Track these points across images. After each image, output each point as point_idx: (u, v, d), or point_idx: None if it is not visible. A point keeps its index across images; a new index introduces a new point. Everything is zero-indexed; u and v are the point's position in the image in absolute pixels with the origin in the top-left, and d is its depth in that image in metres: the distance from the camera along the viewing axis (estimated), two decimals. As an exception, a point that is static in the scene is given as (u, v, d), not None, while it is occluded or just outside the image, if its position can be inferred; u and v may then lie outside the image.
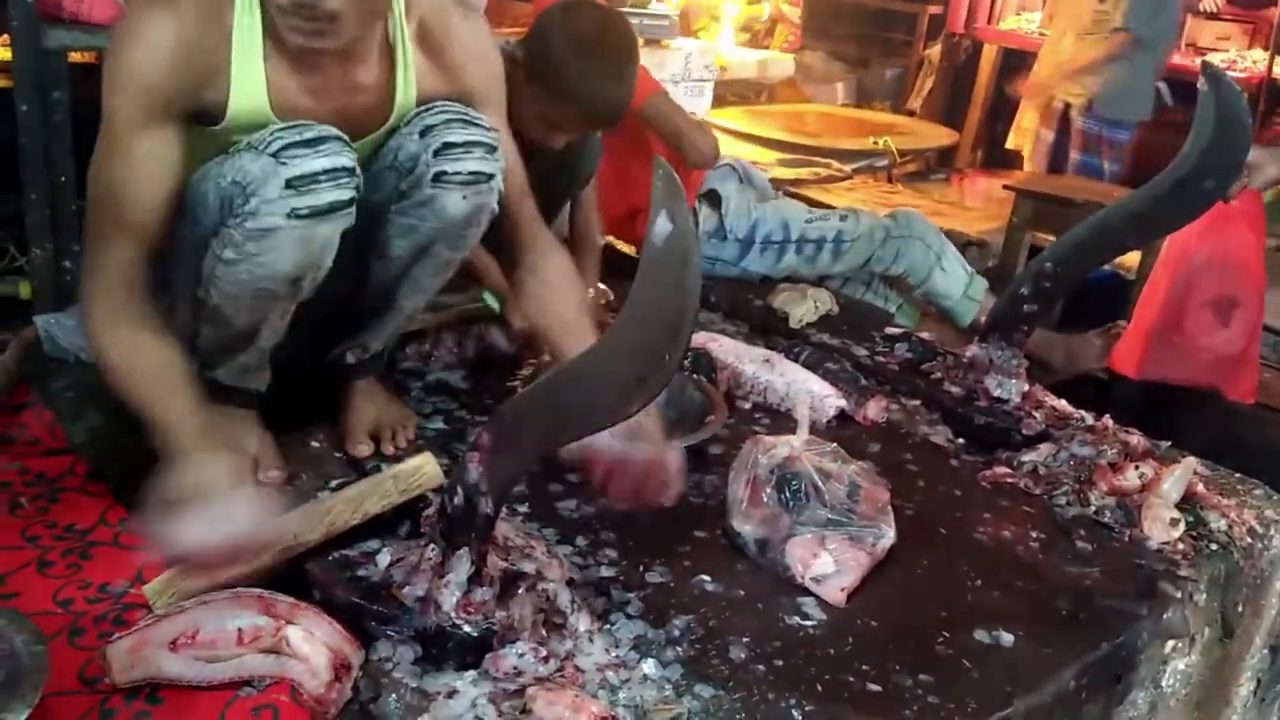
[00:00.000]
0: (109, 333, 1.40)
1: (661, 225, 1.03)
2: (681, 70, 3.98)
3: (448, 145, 1.49)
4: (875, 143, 4.18)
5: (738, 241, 2.67)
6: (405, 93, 1.53)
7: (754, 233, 2.66)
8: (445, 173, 1.49)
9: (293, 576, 1.34)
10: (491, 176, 1.53)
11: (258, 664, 1.22)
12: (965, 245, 3.41)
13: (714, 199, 2.70)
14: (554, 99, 1.95)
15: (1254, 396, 2.58)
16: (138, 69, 1.36)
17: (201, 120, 1.41)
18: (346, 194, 1.38)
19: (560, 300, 1.65)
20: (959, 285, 2.70)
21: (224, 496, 1.26)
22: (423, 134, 1.50)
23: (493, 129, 1.54)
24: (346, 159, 1.37)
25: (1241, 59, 5.65)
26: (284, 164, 1.33)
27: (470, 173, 1.50)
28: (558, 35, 1.95)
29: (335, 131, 1.37)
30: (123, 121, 1.37)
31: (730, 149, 3.85)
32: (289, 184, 1.33)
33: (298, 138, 1.34)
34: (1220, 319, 2.53)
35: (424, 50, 1.53)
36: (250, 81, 1.40)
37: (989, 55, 6.10)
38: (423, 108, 1.53)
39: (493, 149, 1.52)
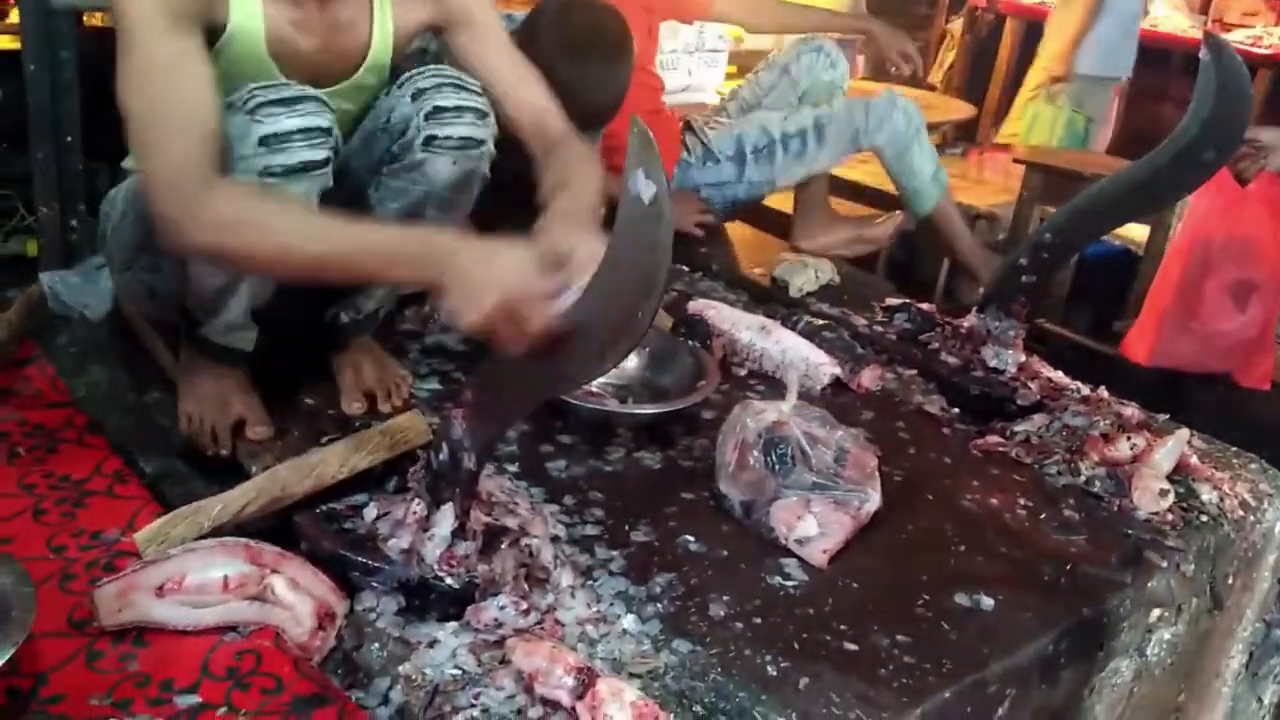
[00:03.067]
0: (263, 223, 1.27)
1: (636, 183, 1.03)
2: (695, 41, 3.97)
3: (439, 109, 1.50)
4: (890, 115, 4.14)
5: (729, 159, 2.70)
6: (382, 27, 1.54)
7: (741, 146, 2.68)
8: (436, 137, 1.50)
9: (280, 528, 1.36)
10: (482, 142, 1.53)
11: (243, 611, 1.25)
12: (975, 218, 3.39)
13: (690, 127, 2.73)
14: None
15: (1269, 382, 2.55)
16: None
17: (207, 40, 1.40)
18: (321, 154, 1.38)
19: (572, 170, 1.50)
20: (931, 165, 2.72)
21: (507, 254, 1.21)
22: (414, 97, 1.51)
23: (483, 94, 1.54)
24: (323, 119, 1.38)
25: (1268, 35, 5.55)
26: (259, 122, 1.33)
27: (461, 138, 1.51)
28: (549, 34, 1.93)
29: (313, 92, 1.38)
30: (151, 32, 1.30)
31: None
32: (262, 141, 1.33)
33: (274, 96, 1.35)
34: (1237, 303, 2.50)
35: None
36: (248, 9, 1.41)
37: (1012, 28, 6.03)
38: (415, 70, 1.54)
39: (484, 114, 1.53)
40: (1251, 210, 2.44)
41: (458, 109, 1.50)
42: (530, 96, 1.60)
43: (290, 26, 1.46)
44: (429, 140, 1.50)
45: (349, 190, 1.55)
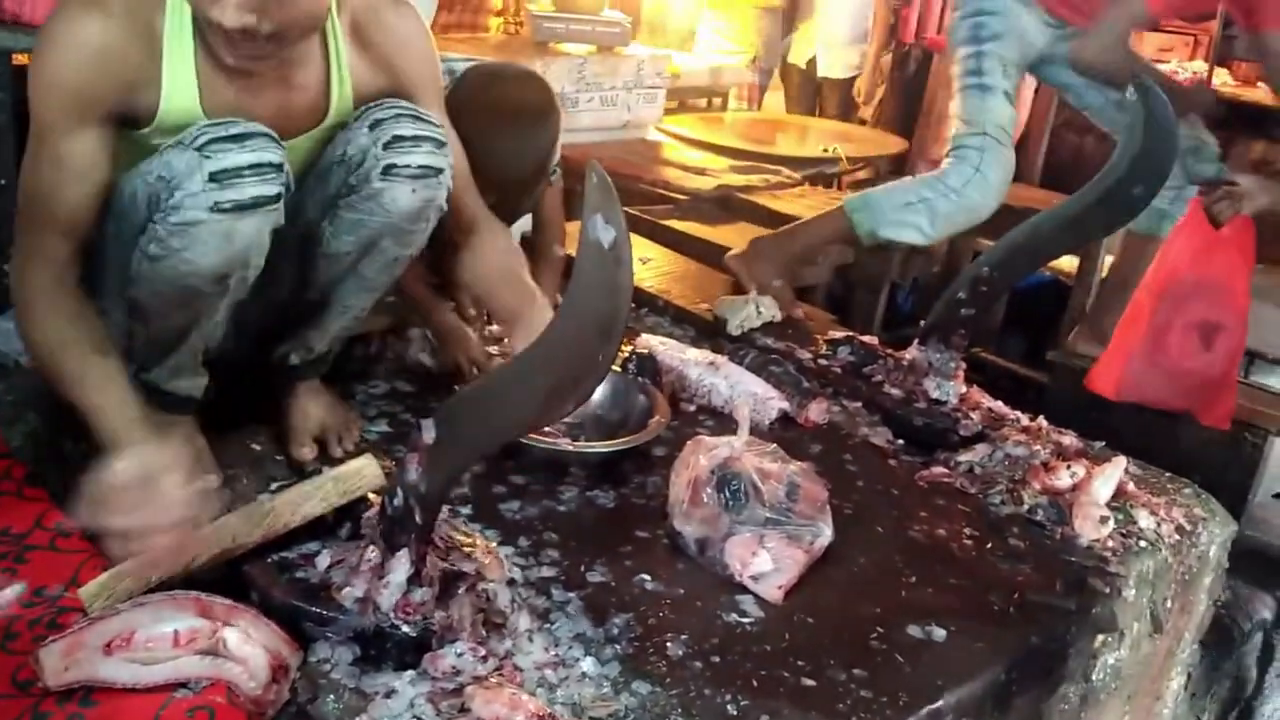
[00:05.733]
0: (41, 326, 1.40)
1: (595, 228, 1.04)
2: (634, 77, 4.00)
3: (398, 138, 1.49)
4: (826, 150, 4.21)
5: None
6: (340, 91, 1.54)
7: None
8: (395, 165, 1.49)
9: (230, 579, 1.33)
10: (440, 171, 1.53)
11: (194, 666, 1.21)
12: (910, 252, 3.46)
13: None
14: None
15: (1229, 423, 2.59)
16: (64, 73, 1.36)
17: (131, 123, 1.42)
18: (272, 189, 1.37)
19: (493, 261, 1.73)
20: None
21: (167, 481, 1.26)
22: (372, 127, 1.50)
23: (440, 125, 1.55)
24: (273, 155, 1.37)
25: (1182, 70, 5.77)
26: (208, 157, 1.32)
27: (420, 166, 1.51)
28: (471, 104, 1.90)
29: (263, 128, 1.37)
30: (49, 126, 1.38)
31: (681, 156, 3.88)
32: (212, 177, 1.32)
33: (224, 133, 1.34)
34: (1203, 342, 2.56)
35: (357, 45, 1.54)
36: (182, 83, 1.40)
37: (939, 64, 6.19)
38: (372, 104, 1.53)
39: (441, 144, 1.53)
40: (1224, 253, 2.49)
41: (416, 138, 1.50)
42: (457, 171, 1.62)
43: (237, 93, 1.44)
44: (388, 169, 1.49)
45: (302, 227, 1.54)
